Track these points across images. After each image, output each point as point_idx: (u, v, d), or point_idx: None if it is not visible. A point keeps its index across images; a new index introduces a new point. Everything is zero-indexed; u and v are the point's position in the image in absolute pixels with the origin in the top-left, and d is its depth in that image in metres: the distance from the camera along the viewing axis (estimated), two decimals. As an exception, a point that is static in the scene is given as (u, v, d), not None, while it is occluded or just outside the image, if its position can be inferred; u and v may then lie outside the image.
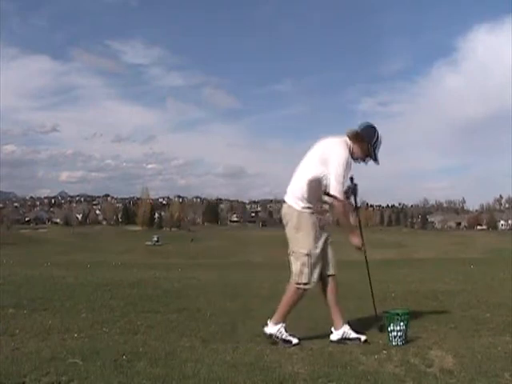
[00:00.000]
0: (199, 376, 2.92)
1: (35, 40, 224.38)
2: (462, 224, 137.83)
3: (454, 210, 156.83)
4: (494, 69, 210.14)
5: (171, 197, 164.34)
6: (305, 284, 3.78)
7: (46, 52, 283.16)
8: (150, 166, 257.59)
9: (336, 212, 3.82)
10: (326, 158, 3.78)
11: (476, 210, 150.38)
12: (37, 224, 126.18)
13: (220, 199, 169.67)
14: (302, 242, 3.79)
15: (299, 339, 3.75)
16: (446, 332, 4.10)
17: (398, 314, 3.74)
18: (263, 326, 3.84)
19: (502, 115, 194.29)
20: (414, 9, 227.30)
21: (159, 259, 44.39)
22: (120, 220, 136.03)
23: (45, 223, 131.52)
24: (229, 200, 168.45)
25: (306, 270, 3.77)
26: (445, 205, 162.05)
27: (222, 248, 71.95)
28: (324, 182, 3.79)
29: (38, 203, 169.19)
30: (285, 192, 4.00)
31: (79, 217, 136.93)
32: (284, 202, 3.95)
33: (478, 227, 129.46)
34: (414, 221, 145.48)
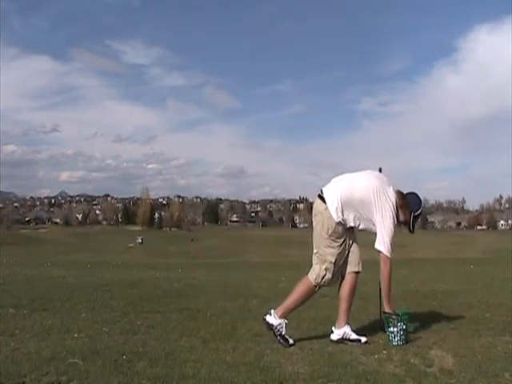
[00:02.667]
0: (199, 376, 2.92)
1: (36, 40, 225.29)
2: (462, 224, 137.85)
3: (454, 210, 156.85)
4: (494, 69, 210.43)
5: (171, 197, 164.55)
6: (324, 286, 3.86)
7: (47, 52, 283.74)
8: (150, 166, 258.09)
9: (383, 271, 3.81)
10: (374, 209, 3.78)
11: (476, 210, 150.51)
12: (37, 224, 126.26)
13: (220, 199, 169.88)
14: (330, 249, 3.80)
15: (294, 341, 3.74)
16: (446, 332, 4.10)
17: (397, 314, 3.75)
18: (265, 314, 3.83)
19: (502, 115, 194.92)
20: (415, 9, 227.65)
21: (159, 259, 44.39)
22: (120, 220, 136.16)
23: (45, 223, 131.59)
24: (229, 200, 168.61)
25: (329, 275, 3.81)
26: (445, 205, 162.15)
27: (222, 248, 71.93)
28: (360, 225, 3.83)
29: (38, 203, 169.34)
30: (319, 189, 3.96)
31: (79, 217, 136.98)
32: (323, 199, 3.86)
33: (478, 227, 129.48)
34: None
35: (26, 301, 5.63)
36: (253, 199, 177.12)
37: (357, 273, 3.90)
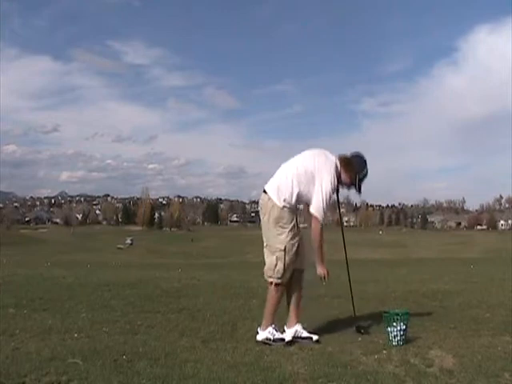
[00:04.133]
0: (199, 376, 2.92)
1: (36, 40, 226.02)
2: (462, 224, 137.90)
3: (454, 209, 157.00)
4: (494, 69, 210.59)
5: (171, 197, 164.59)
6: (278, 278, 3.78)
7: (47, 52, 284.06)
8: (150, 165, 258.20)
9: (313, 232, 3.80)
10: (314, 175, 3.79)
11: (476, 210, 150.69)
12: (37, 224, 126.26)
13: (220, 199, 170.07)
14: (279, 237, 3.77)
15: (293, 338, 3.77)
16: (446, 332, 4.10)
17: (397, 314, 3.74)
18: (256, 334, 3.84)
19: (503, 115, 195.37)
20: (415, 9, 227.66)
21: (159, 259, 44.40)
22: (120, 220, 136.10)
23: (45, 223, 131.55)
24: (229, 200, 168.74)
25: (280, 265, 3.76)
26: (445, 205, 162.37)
27: (222, 248, 71.97)
28: (305, 197, 3.82)
29: (37, 203, 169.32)
30: (266, 182, 3.96)
31: (79, 217, 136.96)
32: (265, 191, 3.87)
33: (478, 227, 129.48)
34: (414, 221, 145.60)
35: (26, 301, 5.62)
36: (253, 199, 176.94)
37: (301, 270, 3.89)
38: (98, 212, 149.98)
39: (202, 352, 3.46)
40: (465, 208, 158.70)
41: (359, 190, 3.99)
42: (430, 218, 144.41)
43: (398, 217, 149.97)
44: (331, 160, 3.87)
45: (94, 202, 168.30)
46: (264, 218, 3.86)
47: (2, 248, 46.03)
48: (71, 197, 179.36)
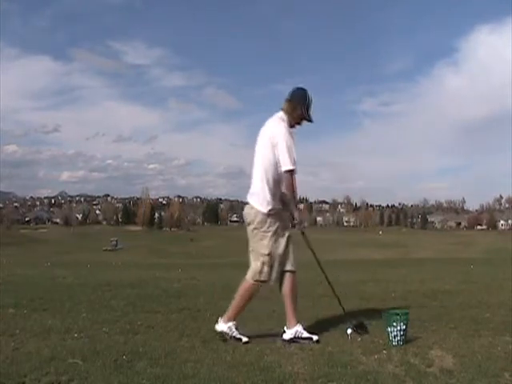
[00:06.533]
0: (199, 376, 2.92)
1: (37, 40, 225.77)
2: (462, 224, 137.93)
3: (454, 209, 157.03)
4: (494, 69, 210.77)
5: (171, 197, 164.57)
6: (263, 281, 3.84)
7: (48, 52, 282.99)
8: (151, 166, 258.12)
9: (286, 184, 3.81)
10: (275, 144, 3.84)
11: (476, 210, 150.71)
12: (37, 224, 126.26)
13: (220, 199, 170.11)
14: (263, 243, 3.84)
15: (249, 338, 3.79)
16: (446, 332, 4.10)
17: (397, 314, 3.75)
18: (215, 323, 3.89)
19: (503, 115, 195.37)
20: (416, 9, 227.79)
21: (159, 259, 44.39)
22: (120, 220, 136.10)
23: (45, 223, 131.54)
24: (229, 200, 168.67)
25: (266, 269, 3.82)
26: (445, 205, 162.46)
27: (222, 248, 71.90)
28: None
29: (37, 203, 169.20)
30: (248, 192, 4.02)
31: (79, 217, 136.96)
32: (247, 202, 3.96)
33: (478, 227, 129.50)
34: (414, 221, 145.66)
35: (26, 301, 5.62)
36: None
37: (292, 272, 3.91)
38: (98, 212, 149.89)
39: (202, 352, 3.46)
40: (465, 208, 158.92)
41: (310, 119, 4.05)
42: (430, 218, 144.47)
43: (397, 217, 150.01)
44: (276, 118, 3.96)
45: (94, 202, 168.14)
46: (249, 227, 3.93)
47: (2, 248, 46.01)
48: (71, 197, 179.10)
